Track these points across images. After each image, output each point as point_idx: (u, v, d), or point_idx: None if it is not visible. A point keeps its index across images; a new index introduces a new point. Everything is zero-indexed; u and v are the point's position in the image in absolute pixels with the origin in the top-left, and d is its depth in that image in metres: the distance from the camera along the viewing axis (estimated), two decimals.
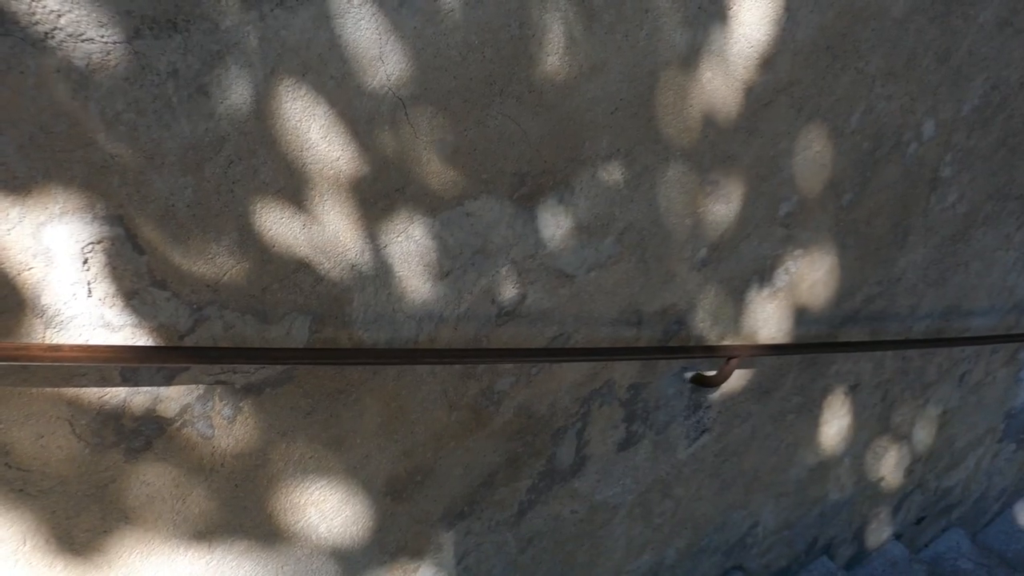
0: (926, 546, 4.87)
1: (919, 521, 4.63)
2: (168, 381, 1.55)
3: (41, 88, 1.22)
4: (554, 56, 1.74)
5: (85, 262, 1.35)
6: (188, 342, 1.53)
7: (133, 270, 1.41)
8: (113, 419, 1.51)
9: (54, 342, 1.38)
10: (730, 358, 2.51)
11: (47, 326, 1.36)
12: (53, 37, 1.19)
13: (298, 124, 1.48)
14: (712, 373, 2.61)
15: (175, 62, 1.31)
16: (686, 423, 2.75)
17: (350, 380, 1.82)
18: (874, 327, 3.19)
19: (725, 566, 3.49)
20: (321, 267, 1.64)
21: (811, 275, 2.75)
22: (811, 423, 3.31)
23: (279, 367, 1.70)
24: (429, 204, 1.73)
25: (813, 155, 2.43)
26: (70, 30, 1.20)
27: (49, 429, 1.45)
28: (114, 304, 1.42)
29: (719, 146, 2.17)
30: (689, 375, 2.63)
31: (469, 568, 2.37)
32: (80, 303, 1.38)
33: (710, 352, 2.45)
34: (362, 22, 1.46)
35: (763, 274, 2.58)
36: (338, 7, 1.42)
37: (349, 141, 1.56)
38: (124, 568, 1.66)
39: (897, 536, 4.51)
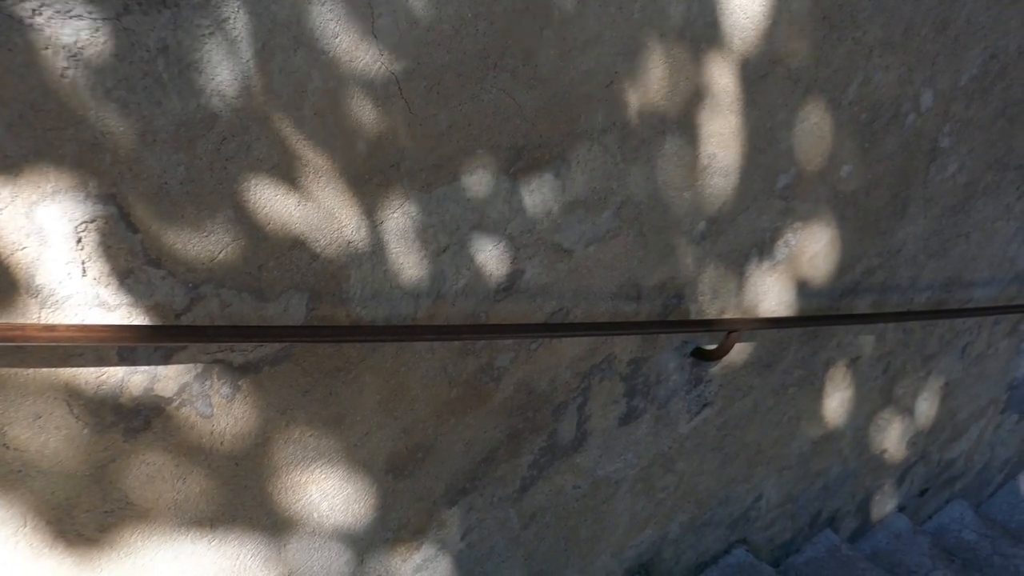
0: (930, 518, 4.88)
1: (922, 493, 4.64)
2: (165, 360, 1.55)
3: (30, 66, 1.21)
4: (548, 29, 1.73)
5: (79, 241, 1.35)
6: (184, 321, 1.53)
7: (127, 249, 1.40)
8: (111, 399, 1.51)
9: (49, 322, 1.37)
10: (730, 332, 2.51)
11: (42, 306, 1.36)
12: (41, 14, 1.18)
13: (290, 100, 1.47)
14: (713, 347, 2.61)
15: (165, 38, 1.30)
16: (687, 397, 2.75)
17: (348, 358, 1.82)
18: (875, 299, 3.19)
19: (729, 540, 3.50)
20: (317, 244, 1.63)
21: (811, 248, 2.74)
22: (813, 396, 3.31)
23: (277, 345, 1.69)
24: (424, 180, 1.72)
25: (811, 127, 2.42)
26: (58, 7, 1.19)
27: (47, 410, 1.45)
28: (109, 283, 1.41)
29: (716, 119, 2.15)
30: (690, 349, 2.63)
31: (472, 544, 2.38)
32: (75, 283, 1.37)
33: (710, 326, 2.45)
34: None
35: (762, 247, 2.57)
36: None
37: (342, 117, 1.55)
38: (125, 548, 1.67)
39: (901, 508, 4.52)
